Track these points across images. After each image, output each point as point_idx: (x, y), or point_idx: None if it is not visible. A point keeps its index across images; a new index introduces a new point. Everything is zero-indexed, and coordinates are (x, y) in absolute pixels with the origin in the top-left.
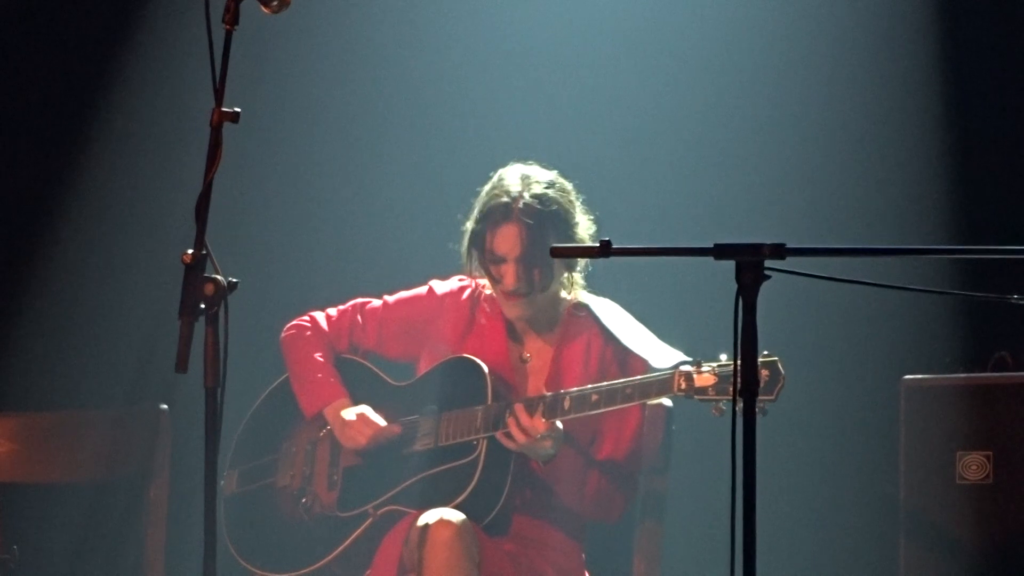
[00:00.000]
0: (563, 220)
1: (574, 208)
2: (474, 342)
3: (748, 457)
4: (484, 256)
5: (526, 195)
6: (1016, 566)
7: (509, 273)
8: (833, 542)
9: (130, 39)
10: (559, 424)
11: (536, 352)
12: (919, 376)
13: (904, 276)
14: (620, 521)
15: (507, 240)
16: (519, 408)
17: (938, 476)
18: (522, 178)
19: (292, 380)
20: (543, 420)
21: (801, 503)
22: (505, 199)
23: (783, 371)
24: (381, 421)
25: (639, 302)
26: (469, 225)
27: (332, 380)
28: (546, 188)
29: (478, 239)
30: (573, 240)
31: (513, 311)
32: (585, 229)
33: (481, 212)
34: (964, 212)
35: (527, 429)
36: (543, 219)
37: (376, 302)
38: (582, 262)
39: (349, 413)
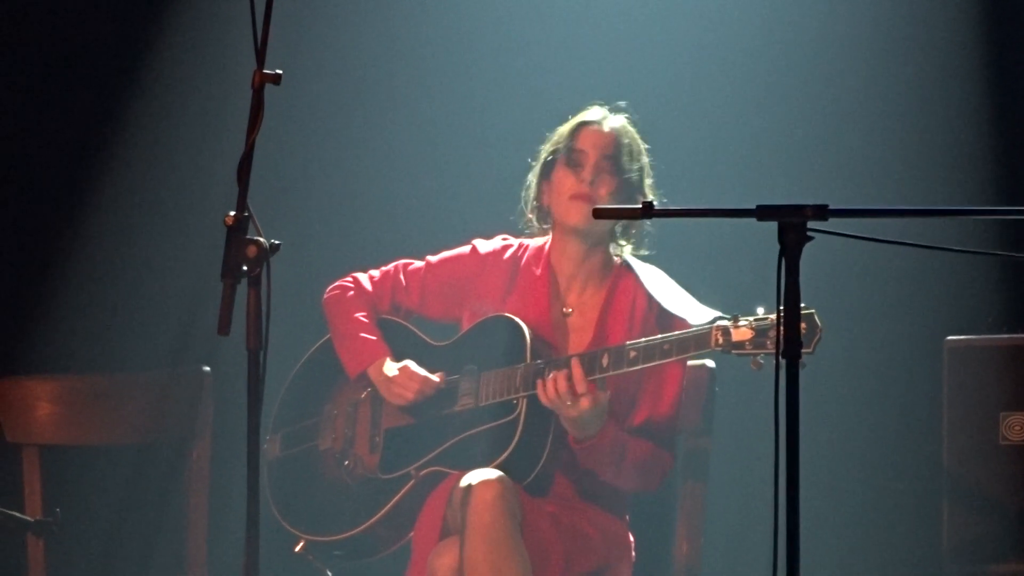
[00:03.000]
0: (640, 153)
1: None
2: (516, 299)
3: (791, 418)
4: (568, 156)
5: (614, 119)
6: None
7: (588, 167)
8: (876, 502)
9: (173, 1)
10: (603, 400)
11: (578, 307)
12: (962, 337)
13: (947, 237)
14: (660, 488)
15: (595, 137)
16: (560, 372)
17: (981, 437)
18: (602, 109)
19: (335, 340)
20: (582, 378)
21: (844, 464)
22: (596, 116)
23: (820, 323)
24: (424, 372)
25: (680, 262)
26: (542, 159)
27: (375, 339)
28: (631, 129)
29: (560, 150)
30: (643, 173)
31: (578, 216)
32: (650, 189)
33: (565, 135)
34: (1008, 172)
35: (560, 391)
36: (630, 138)
37: (418, 262)
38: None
39: (392, 369)
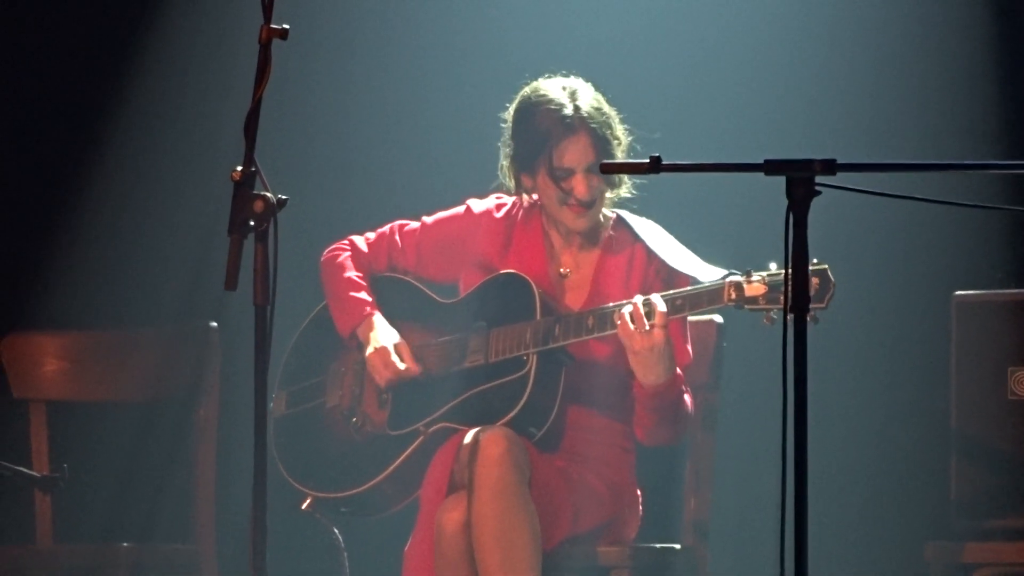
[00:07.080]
0: (613, 127)
1: (613, 114)
2: (513, 259)
3: (799, 372)
4: (551, 172)
5: (582, 105)
6: None
7: (580, 184)
8: (884, 457)
9: None
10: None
11: (575, 267)
12: (971, 292)
13: (956, 191)
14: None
15: (576, 151)
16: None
17: (989, 392)
18: (564, 89)
19: (328, 301)
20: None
21: (853, 419)
22: (565, 111)
23: (833, 279)
24: (400, 363)
25: (688, 216)
26: (513, 148)
27: (363, 297)
28: (593, 95)
29: (538, 157)
30: (620, 146)
31: (580, 223)
32: (624, 134)
33: (533, 131)
34: (1017, 127)
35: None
36: (603, 125)
37: (414, 223)
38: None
39: (377, 340)
